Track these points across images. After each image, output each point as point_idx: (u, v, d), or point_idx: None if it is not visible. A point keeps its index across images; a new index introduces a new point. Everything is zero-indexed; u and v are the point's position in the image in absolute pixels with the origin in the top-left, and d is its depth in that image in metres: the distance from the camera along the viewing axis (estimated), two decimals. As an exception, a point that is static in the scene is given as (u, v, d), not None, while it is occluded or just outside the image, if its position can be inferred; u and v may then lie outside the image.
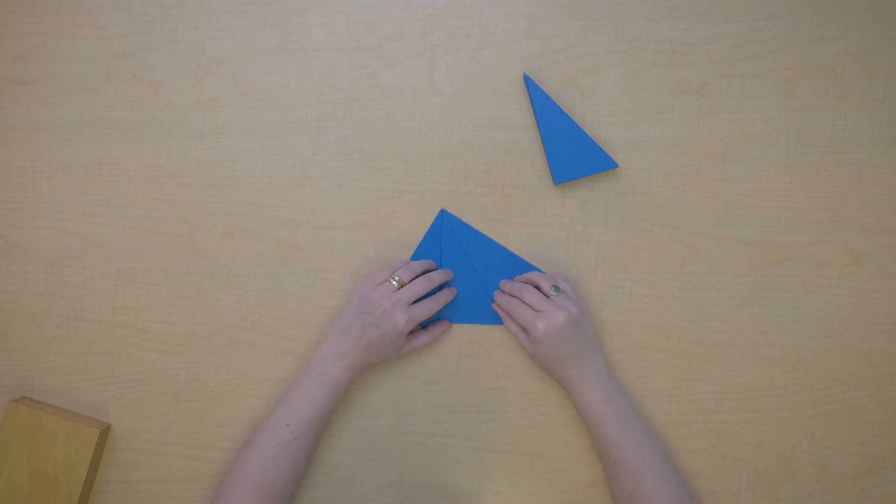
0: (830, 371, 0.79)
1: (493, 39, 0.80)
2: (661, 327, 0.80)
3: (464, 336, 0.80)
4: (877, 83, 0.79)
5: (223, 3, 0.81)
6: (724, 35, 0.80)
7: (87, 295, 0.81)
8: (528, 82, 0.79)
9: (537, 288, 0.76)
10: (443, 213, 0.80)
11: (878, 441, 0.79)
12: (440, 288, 0.78)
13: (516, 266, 0.80)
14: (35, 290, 0.81)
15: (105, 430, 0.79)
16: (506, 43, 0.80)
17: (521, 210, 0.80)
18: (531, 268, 0.80)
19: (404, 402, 0.80)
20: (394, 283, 0.74)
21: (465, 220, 0.80)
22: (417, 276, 0.76)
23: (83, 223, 0.81)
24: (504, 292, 0.78)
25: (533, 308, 0.74)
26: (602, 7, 0.80)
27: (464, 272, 0.80)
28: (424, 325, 0.79)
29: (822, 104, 0.80)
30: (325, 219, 0.81)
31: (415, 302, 0.74)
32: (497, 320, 0.80)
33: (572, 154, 0.78)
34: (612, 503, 0.74)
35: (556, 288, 0.74)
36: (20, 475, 0.77)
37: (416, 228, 0.80)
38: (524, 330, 0.76)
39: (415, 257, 0.80)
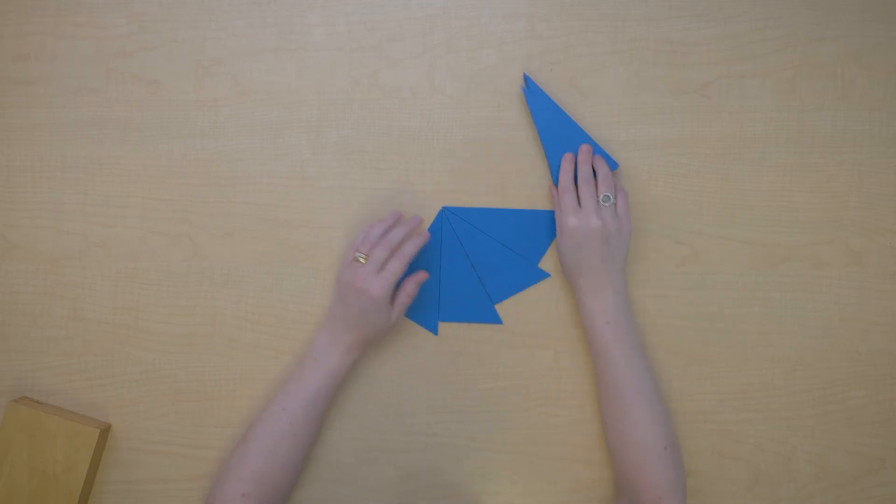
0: (830, 371, 0.79)
1: (493, 39, 0.80)
2: (661, 327, 0.80)
3: (464, 336, 0.80)
4: (877, 83, 0.79)
5: (223, 3, 0.81)
6: (724, 35, 0.80)
7: (87, 295, 0.81)
8: (528, 82, 0.79)
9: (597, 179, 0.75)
10: (444, 212, 0.80)
11: (878, 441, 0.79)
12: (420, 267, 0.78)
13: (517, 266, 0.80)
14: (35, 290, 0.81)
15: (105, 430, 0.79)
16: (506, 43, 0.80)
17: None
18: (532, 266, 0.80)
19: (404, 401, 0.80)
20: (360, 259, 0.72)
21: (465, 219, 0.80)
22: (382, 240, 0.73)
23: (83, 223, 0.81)
24: (568, 161, 0.76)
25: (579, 200, 0.74)
26: (602, 7, 0.80)
27: (464, 272, 0.80)
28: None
29: (822, 104, 0.80)
30: (325, 219, 0.81)
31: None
32: (497, 320, 0.80)
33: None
34: (605, 438, 0.74)
35: (607, 198, 0.73)
36: (20, 475, 0.77)
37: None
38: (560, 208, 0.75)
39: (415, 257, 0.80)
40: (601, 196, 0.74)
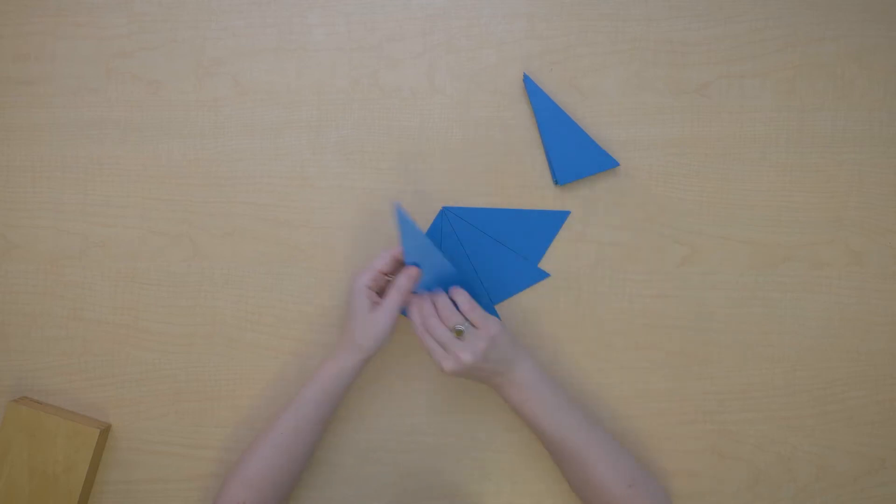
0: (830, 371, 0.79)
1: (493, 39, 0.80)
2: (661, 327, 0.80)
3: (464, 336, 0.80)
4: (877, 83, 0.79)
5: (223, 3, 0.81)
6: (724, 35, 0.80)
7: (87, 295, 0.81)
8: (528, 82, 0.79)
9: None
10: (444, 212, 0.80)
11: (878, 441, 0.79)
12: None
13: (517, 266, 0.80)
14: (35, 290, 0.81)
15: (105, 430, 0.79)
16: (506, 43, 0.80)
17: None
18: (532, 266, 0.80)
19: (404, 402, 0.80)
20: None
21: (464, 219, 0.80)
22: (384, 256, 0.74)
23: (83, 223, 0.81)
24: (415, 306, 0.73)
25: (440, 341, 0.71)
26: (602, 7, 0.80)
27: (464, 271, 0.80)
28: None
29: (822, 104, 0.80)
30: (325, 219, 0.81)
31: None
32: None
33: (573, 154, 0.78)
34: (575, 495, 0.75)
35: (459, 332, 0.70)
36: (20, 475, 0.77)
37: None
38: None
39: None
40: (454, 330, 0.70)
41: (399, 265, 0.74)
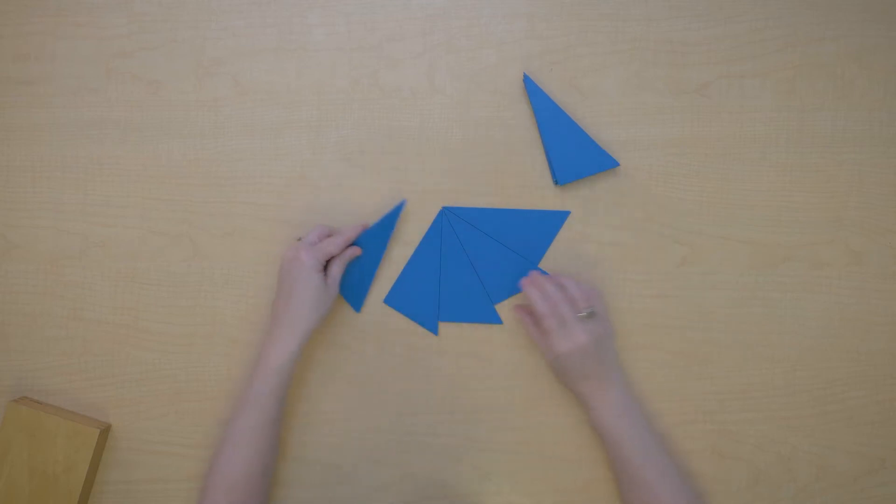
0: (830, 371, 0.79)
1: (493, 39, 0.80)
2: (661, 327, 0.80)
3: (464, 336, 0.80)
4: (877, 83, 0.79)
5: (223, 3, 0.81)
6: (724, 35, 0.80)
7: (87, 295, 0.81)
8: (528, 82, 0.79)
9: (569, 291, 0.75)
10: (444, 212, 0.80)
11: (878, 441, 0.79)
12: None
13: (517, 266, 0.80)
14: (35, 290, 0.81)
15: (105, 430, 0.79)
16: (506, 43, 0.80)
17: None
18: (532, 266, 0.80)
19: (404, 402, 0.80)
20: (298, 239, 0.75)
21: (464, 219, 0.80)
22: (318, 229, 0.77)
23: (83, 223, 0.81)
24: (535, 287, 0.75)
25: (562, 319, 0.72)
26: (602, 7, 0.80)
27: (464, 271, 0.80)
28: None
29: (822, 104, 0.80)
30: (325, 219, 0.81)
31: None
32: (497, 320, 0.80)
33: (573, 154, 0.78)
34: None
35: (592, 314, 0.73)
36: (20, 475, 0.77)
37: (417, 228, 0.80)
38: (543, 333, 0.75)
39: (415, 256, 0.80)
40: (587, 313, 0.72)
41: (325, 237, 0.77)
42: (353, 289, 0.80)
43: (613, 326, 0.77)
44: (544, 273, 0.79)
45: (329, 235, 0.77)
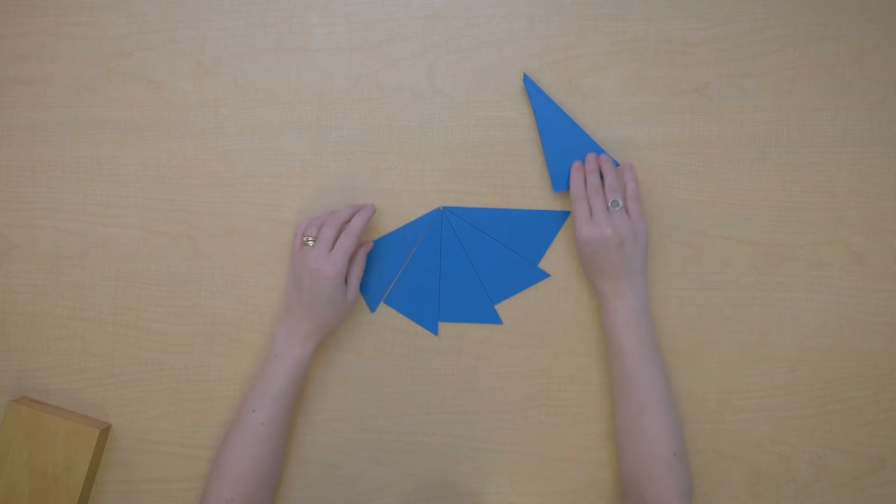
0: (830, 371, 0.79)
1: (493, 39, 0.80)
2: (661, 327, 0.80)
3: (464, 336, 0.80)
4: (877, 83, 0.79)
5: (223, 3, 0.81)
6: (724, 35, 0.79)
7: (87, 295, 0.81)
8: (528, 83, 0.79)
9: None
10: (444, 212, 0.80)
11: (878, 441, 0.79)
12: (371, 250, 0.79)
13: (516, 266, 0.80)
14: (35, 290, 0.81)
15: (105, 430, 0.79)
16: (506, 43, 0.80)
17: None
18: (532, 266, 0.80)
19: (404, 402, 0.80)
20: (309, 242, 0.73)
21: (464, 219, 0.80)
22: (329, 220, 0.74)
23: (83, 223, 0.81)
24: (580, 172, 0.77)
25: (593, 207, 0.74)
26: (602, 7, 0.80)
27: (464, 271, 0.80)
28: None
29: (822, 104, 0.80)
30: (325, 219, 0.80)
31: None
32: (497, 320, 0.80)
33: (573, 155, 0.78)
34: (616, 440, 0.74)
35: (616, 203, 0.73)
36: (20, 475, 0.77)
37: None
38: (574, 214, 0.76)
39: (415, 257, 0.80)
40: (610, 202, 0.74)
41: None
42: (371, 289, 0.80)
43: (646, 233, 0.75)
44: (613, 161, 0.78)
45: (338, 223, 0.74)
